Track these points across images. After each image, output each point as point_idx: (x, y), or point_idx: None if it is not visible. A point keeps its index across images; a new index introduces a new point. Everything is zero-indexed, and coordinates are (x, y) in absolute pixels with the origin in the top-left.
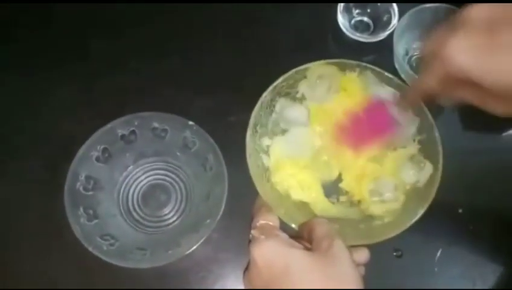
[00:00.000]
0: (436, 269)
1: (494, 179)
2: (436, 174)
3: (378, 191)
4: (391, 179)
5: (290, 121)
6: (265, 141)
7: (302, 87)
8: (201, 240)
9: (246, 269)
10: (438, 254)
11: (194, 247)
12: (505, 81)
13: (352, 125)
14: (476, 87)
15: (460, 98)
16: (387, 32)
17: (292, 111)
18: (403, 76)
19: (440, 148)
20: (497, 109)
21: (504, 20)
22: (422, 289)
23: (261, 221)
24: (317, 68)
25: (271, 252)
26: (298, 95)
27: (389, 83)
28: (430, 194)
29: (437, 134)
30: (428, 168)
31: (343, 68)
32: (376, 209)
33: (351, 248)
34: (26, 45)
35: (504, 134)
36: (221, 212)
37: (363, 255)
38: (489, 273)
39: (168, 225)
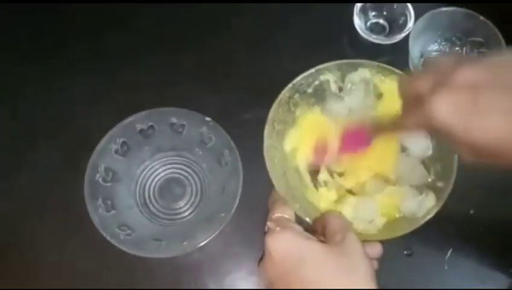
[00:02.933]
0: (446, 267)
1: (507, 181)
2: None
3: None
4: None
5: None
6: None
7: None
8: (216, 233)
9: (261, 261)
10: (448, 253)
11: (208, 239)
12: (481, 140)
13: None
14: (451, 137)
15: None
16: (403, 35)
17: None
18: None
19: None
20: (468, 158)
21: (486, 83)
22: (432, 289)
23: (276, 214)
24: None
25: (286, 244)
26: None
27: None
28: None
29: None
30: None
31: (373, 71)
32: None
33: (364, 242)
34: (47, 37)
35: None
36: (235, 207)
37: (375, 249)
38: (499, 273)
39: (183, 217)
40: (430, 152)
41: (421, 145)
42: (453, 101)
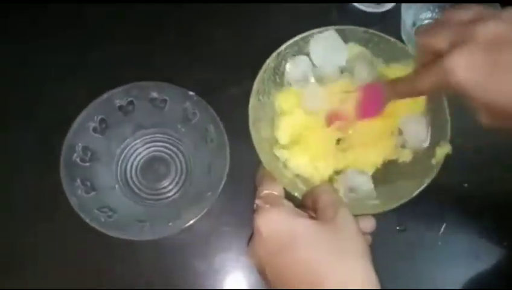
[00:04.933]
0: (439, 243)
1: (501, 155)
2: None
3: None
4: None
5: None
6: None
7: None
8: (203, 213)
9: (250, 240)
10: (442, 228)
11: (195, 219)
12: (499, 101)
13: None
14: (468, 98)
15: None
16: (393, 4)
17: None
18: (409, 47)
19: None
20: (487, 120)
21: (507, 40)
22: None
23: (265, 191)
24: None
25: (276, 221)
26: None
27: (396, 51)
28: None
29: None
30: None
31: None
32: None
33: (357, 216)
34: (17, 11)
35: None
36: (222, 185)
37: (369, 224)
38: (493, 247)
39: (168, 197)
40: (427, 144)
41: (419, 136)
42: (473, 59)
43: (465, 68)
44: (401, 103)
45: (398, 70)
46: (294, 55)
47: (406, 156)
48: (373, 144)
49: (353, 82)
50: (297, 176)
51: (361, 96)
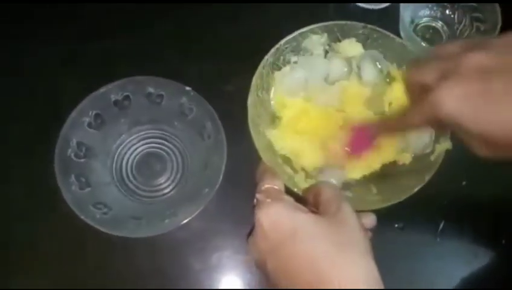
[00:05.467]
0: (438, 240)
1: None
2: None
3: None
4: None
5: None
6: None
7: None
8: (199, 210)
9: (250, 234)
10: (441, 226)
11: (192, 216)
12: (492, 131)
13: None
14: (461, 130)
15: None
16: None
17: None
18: (408, 43)
19: None
20: (481, 152)
21: (496, 69)
22: (436, 288)
23: (266, 185)
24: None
25: (277, 215)
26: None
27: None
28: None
29: None
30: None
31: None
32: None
33: (358, 212)
34: (11, 3)
35: None
36: (219, 182)
37: (369, 220)
38: (492, 245)
39: (164, 194)
40: (429, 150)
41: (422, 142)
42: (463, 90)
43: (453, 99)
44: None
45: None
46: (293, 51)
47: (405, 159)
48: (376, 148)
49: (361, 83)
50: (296, 171)
51: (352, 136)
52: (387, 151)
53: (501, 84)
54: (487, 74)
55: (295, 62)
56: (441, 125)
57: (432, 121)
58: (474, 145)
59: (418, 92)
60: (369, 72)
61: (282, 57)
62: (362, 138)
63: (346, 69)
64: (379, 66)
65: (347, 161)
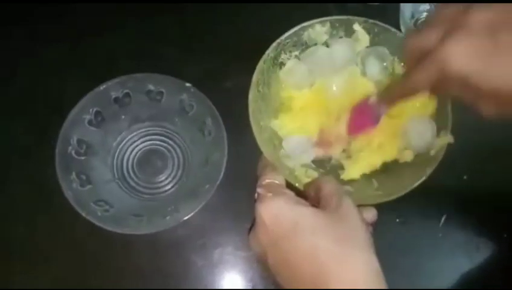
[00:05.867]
0: (440, 234)
1: (501, 146)
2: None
3: None
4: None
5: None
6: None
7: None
8: (200, 206)
9: (251, 229)
10: (442, 220)
11: (192, 213)
12: (503, 85)
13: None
14: (470, 88)
15: (450, 95)
16: None
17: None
18: None
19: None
20: (490, 110)
21: (504, 23)
22: (438, 288)
23: (267, 180)
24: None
25: (278, 209)
26: None
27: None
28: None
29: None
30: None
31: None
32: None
33: (358, 207)
34: (11, 3)
35: None
36: (220, 178)
37: (370, 214)
38: (493, 239)
39: (165, 191)
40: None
41: (425, 139)
42: (471, 44)
43: (463, 54)
44: (408, 105)
45: None
46: (294, 46)
47: (407, 157)
48: (377, 146)
49: (365, 78)
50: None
51: (352, 114)
52: (389, 150)
53: (508, 37)
54: (495, 28)
55: (297, 56)
56: (443, 87)
57: (436, 83)
58: (481, 103)
59: (418, 58)
60: (374, 68)
61: (283, 52)
62: (362, 116)
63: (350, 52)
64: (384, 64)
65: (345, 141)
